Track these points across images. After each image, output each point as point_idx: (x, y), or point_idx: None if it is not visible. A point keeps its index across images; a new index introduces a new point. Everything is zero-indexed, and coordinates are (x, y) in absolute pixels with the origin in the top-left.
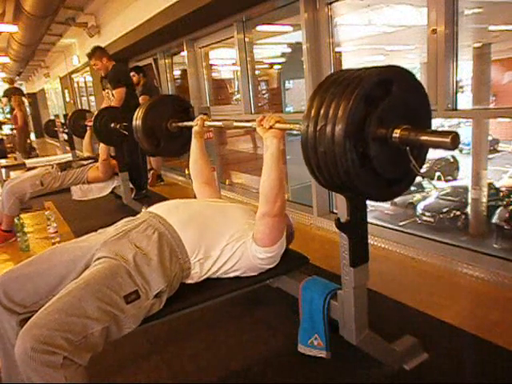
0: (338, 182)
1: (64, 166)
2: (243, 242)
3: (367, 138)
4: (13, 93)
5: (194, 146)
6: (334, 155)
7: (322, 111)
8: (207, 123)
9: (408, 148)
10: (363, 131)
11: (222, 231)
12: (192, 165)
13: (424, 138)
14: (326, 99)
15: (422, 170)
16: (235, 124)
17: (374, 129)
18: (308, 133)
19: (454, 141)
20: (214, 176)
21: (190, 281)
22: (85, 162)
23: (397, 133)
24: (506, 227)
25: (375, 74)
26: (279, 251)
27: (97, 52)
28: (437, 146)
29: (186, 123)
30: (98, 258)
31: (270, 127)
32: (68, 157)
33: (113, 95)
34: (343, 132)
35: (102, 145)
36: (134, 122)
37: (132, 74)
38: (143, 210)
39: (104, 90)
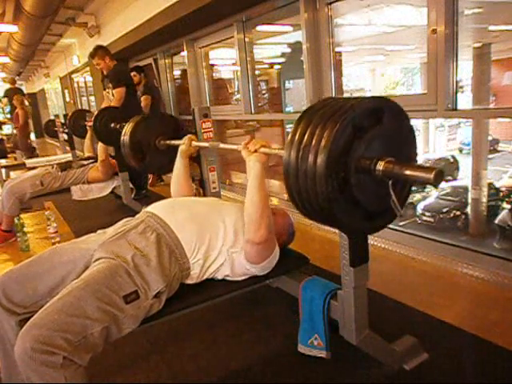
0: (318, 210)
1: (64, 166)
2: (236, 251)
3: (350, 168)
4: (15, 92)
5: (179, 163)
6: (314, 183)
7: (305, 137)
8: (194, 143)
9: (391, 182)
10: (346, 161)
11: (219, 232)
12: (173, 182)
13: (407, 172)
14: (311, 126)
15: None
16: (221, 145)
17: (357, 159)
18: (290, 159)
19: (437, 177)
20: (214, 178)
21: (189, 281)
22: (85, 162)
23: (380, 165)
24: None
25: (363, 103)
26: (270, 265)
27: (99, 51)
28: (419, 181)
29: (173, 141)
30: (98, 259)
31: (255, 151)
32: (68, 157)
33: (113, 95)
34: (325, 161)
35: (100, 145)
36: (121, 137)
37: (133, 73)
38: (142, 211)
39: (105, 89)
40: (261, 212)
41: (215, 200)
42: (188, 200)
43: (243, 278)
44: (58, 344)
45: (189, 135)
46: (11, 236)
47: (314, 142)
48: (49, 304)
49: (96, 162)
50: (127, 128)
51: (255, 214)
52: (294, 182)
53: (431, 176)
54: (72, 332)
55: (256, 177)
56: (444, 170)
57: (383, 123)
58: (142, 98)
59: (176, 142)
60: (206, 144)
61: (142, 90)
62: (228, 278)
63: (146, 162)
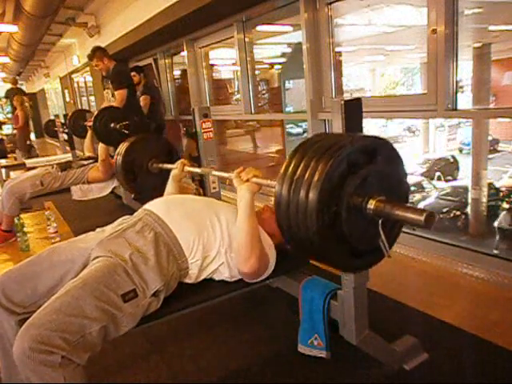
0: (308, 244)
1: (64, 166)
2: (233, 256)
3: (341, 205)
4: (15, 93)
5: (170, 186)
6: (305, 217)
7: (299, 171)
8: (187, 168)
9: (381, 221)
10: (338, 197)
11: (217, 232)
12: None
13: (398, 212)
14: (305, 159)
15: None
16: (214, 173)
17: (349, 196)
18: (282, 192)
19: (428, 220)
20: (214, 178)
21: (188, 280)
22: (85, 162)
23: (372, 203)
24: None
25: (357, 141)
26: (265, 276)
27: (97, 53)
28: (410, 222)
29: (166, 165)
30: (96, 257)
31: (247, 180)
32: (68, 157)
33: (113, 95)
34: (317, 196)
35: (101, 145)
36: (115, 156)
37: (133, 74)
38: (141, 208)
39: (105, 89)
40: (250, 242)
41: (211, 199)
42: (186, 198)
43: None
44: (56, 343)
45: (181, 160)
46: (11, 236)
47: (307, 175)
48: (47, 303)
49: (96, 161)
50: (121, 148)
51: (243, 246)
52: (284, 214)
53: (422, 218)
54: (70, 331)
55: (246, 207)
56: (435, 214)
57: (377, 161)
58: (141, 98)
59: (168, 166)
60: (198, 170)
61: (142, 90)
62: (227, 280)
63: (136, 184)
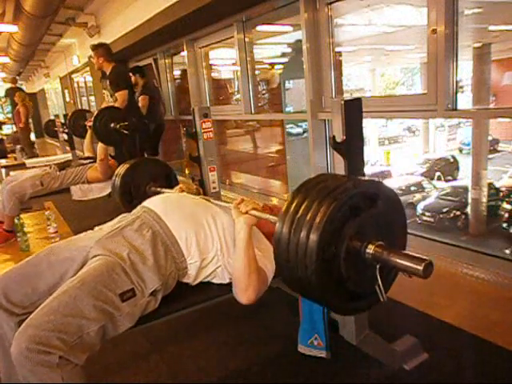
0: (305, 283)
1: (62, 166)
2: (230, 261)
3: (341, 247)
4: (16, 91)
5: None
6: (304, 256)
7: (301, 211)
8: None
9: (378, 266)
10: (338, 240)
11: (215, 233)
12: None
13: (396, 259)
14: (307, 199)
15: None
16: (212, 201)
17: (349, 239)
18: (282, 231)
19: (426, 269)
20: (214, 178)
21: (186, 280)
22: (84, 162)
23: (370, 248)
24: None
25: (359, 186)
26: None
27: (99, 49)
28: (408, 270)
29: (164, 190)
30: (94, 256)
31: (246, 212)
32: (68, 157)
33: (111, 96)
34: (318, 237)
35: (100, 144)
36: (113, 178)
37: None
38: (140, 205)
39: (103, 89)
40: (248, 274)
41: (205, 201)
42: (184, 197)
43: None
44: (53, 344)
45: (180, 185)
46: (12, 236)
47: (309, 216)
48: (44, 304)
49: (95, 161)
50: (120, 169)
51: (242, 275)
52: (284, 252)
53: (421, 268)
54: (68, 332)
55: (243, 239)
56: (433, 263)
57: (378, 206)
58: (139, 98)
59: (166, 191)
60: (196, 197)
61: (141, 90)
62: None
63: (133, 205)
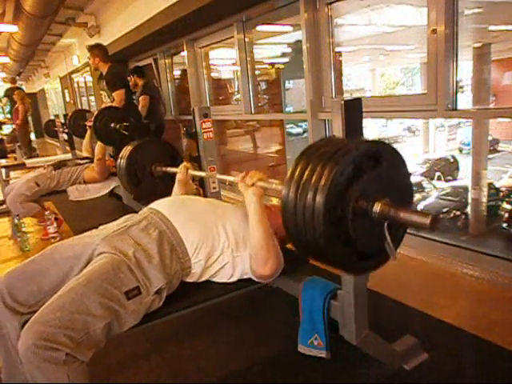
0: (314, 246)
1: (58, 165)
2: (239, 255)
3: (347, 208)
4: (15, 90)
5: (176, 191)
6: (312, 219)
7: (305, 175)
8: (191, 172)
9: (386, 223)
10: (344, 200)
11: (222, 233)
12: None
13: (403, 215)
14: (311, 164)
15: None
16: (218, 176)
17: (355, 200)
18: (289, 196)
19: (433, 223)
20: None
21: (189, 279)
22: (81, 162)
23: (377, 206)
24: None
25: (362, 146)
26: (279, 273)
27: (95, 50)
28: (415, 225)
29: (170, 169)
30: (100, 254)
31: (253, 184)
32: (68, 157)
33: (108, 96)
34: (324, 199)
35: (98, 144)
36: (118, 161)
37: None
38: (147, 207)
39: (100, 90)
40: (266, 246)
41: (216, 201)
42: (192, 199)
43: (242, 277)
44: (60, 341)
45: (184, 163)
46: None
47: (313, 179)
48: (51, 300)
49: (92, 162)
50: (125, 152)
51: (260, 249)
52: (291, 217)
53: (427, 221)
54: (75, 329)
55: (255, 212)
56: (439, 217)
57: (381, 165)
58: (140, 99)
59: (172, 170)
60: (202, 173)
61: (141, 90)
62: (229, 281)
63: (140, 188)
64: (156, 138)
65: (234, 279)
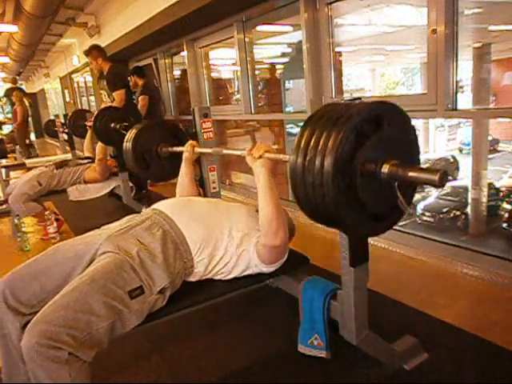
0: (326, 215)
1: (60, 165)
2: (245, 249)
3: (356, 172)
4: (14, 90)
5: (184, 170)
6: (321, 188)
7: (311, 144)
8: (197, 149)
9: (397, 183)
10: (352, 165)
11: (225, 232)
12: (178, 187)
13: (412, 174)
14: (316, 132)
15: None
16: (225, 151)
17: (362, 163)
18: (297, 165)
19: (441, 179)
20: (214, 178)
21: (192, 279)
22: (82, 162)
23: (385, 168)
24: None
25: (367, 108)
26: (280, 264)
27: (93, 51)
28: (425, 182)
29: (176, 148)
30: (103, 253)
31: (260, 156)
32: (68, 157)
33: (109, 96)
34: (332, 166)
35: (99, 144)
36: (124, 144)
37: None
38: (143, 210)
39: (101, 90)
40: (276, 217)
41: (221, 200)
42: (195, 199)
43: (243, 274)
44: (63, 340)
45: (190, 141)
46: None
47: (320, 147)
48: (54, 299)
49: (93, 162)
50: (129, 136)
51: (272, 220)
52: (300, 185)
53: (436, 177)
54: (78, 328)
55: (264, 184)
56: (447, 171)
57: (385, 128)
58: (139, 99)
59: (178, 149)
60: (209, 150)
61: (140, 90)
62: (232, 276)
63: (150, 171)
64: (158, 119)
65: (238, 275)
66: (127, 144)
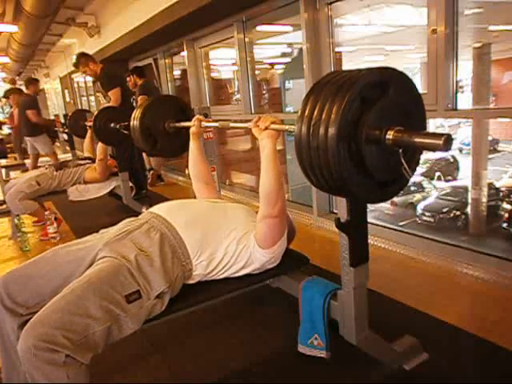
0: (331, 182)
1: (59, 166)
2: (245, 244)
3: (360, 139)
4: (12, 92)
5: (192, 146)
6: (326, 156)
7: (315, 112)
8: (204, 124)
9: (401, 150)
10: (356, 132)
11: (224, 233)
12: (191, 165)
13: (417, 139)
14: (320, 100)
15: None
16: (231, 125)
17: (367, 130)
18: (301, 133)
19: (446, 143)
20: (214, 176)
21: (191, 281)
22: (81, 162)
23: (390, 134)
24: None
25: (370, 75)
26: (280, 250)
27: (81, 59)
28: (429, 147)
29: (183, 123)
30: (101, 258)
31: (266, 128)
32: (68, 157)
33: (104, 97)
34: (336, 133)
35: (100, 144)
36: (131, 122)
37: (127, 78)
38: (143, 210)
39: (96, 92)
40: (277, 187)
41: (220, 201)
42: (192, 201)
43: (242, 272)
44: (60, 342)
45: (197, 116)
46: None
47: (323, 115)
48: (52, 302)
49: (93, 162)
50: (136, 113)
51: (272, 190)
52: (306, 155)
53: (440, 142)
54: (74, 331)
55: (269, 154)
56: (452, 137)
57: (390, 94)
58: (138, 98)
59: (185, 124)
60: (215, 124)
61: (140, 90)
62: (233, 276)
63: (158, 147)
64: (164, 94)
65: (237, 271)
66: (134, 122)
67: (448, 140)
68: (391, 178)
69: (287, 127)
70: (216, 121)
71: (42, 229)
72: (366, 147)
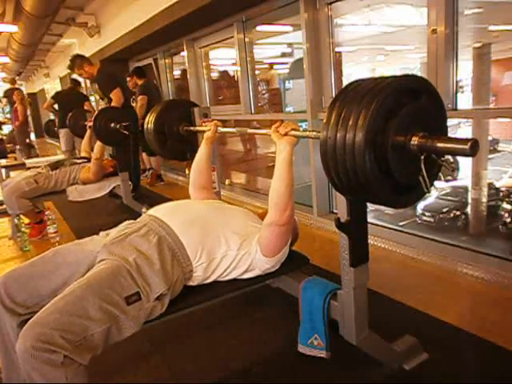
0: (358, 188)
1: (55, 165)
2: (247, 251)
3: (386, 145)
4: (14, 90)
5: (203, 150)
6: (353, 162)
7: (341, 119)
8: (220, 129)
9: (423, 157)
10: (383, 139)
11: (223, 235)
12: (195, 167)
13: (441, 145)
14: (346, 107)
15: None
16: (249, 131)
17: (393, 136)
18: (327, 141)
19: (473, 147)
20: (214, 178)
21: (192, 283)
22: (77, 161)
23: (415, 140)
24: None
25: (395, 83)
26: (282, 258)
27: (76, 62)
28: (456, 152)
29: (198, 127)
30: (101, 260)
31: (286, 134)
32: (61, 158)
33: (102, 99)
34: (363, 140)
35: (98, 143)
36: (147, 117)
37: (128, 79)
38: (144, 210)
39: (95, 93)
40: (288, 194)
41: (219, 202)
42: (191, 202)
43: (244, 276)
44: (58, 343)
45: (214, 121)
46: (44, 226)
47: (351, 121)
48: (51, 303)
49: (89, 162)
50: (152, 112)
51: (282, 196)
52: (332, 160)
53: (467, 147)
54: (73, 332)
55: (286, 158)
56: (478, 142)
57: (418, 101)
58: (138, 98)
59: (200, 129)
60: (233, 130)
61: (140, 90)
62: (233, 277)
63: (166, 147)
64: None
65: (238, 275)
66: (152, 115)
67: (474, 145)
68: (414, 184)
69: (308, 133)
70: (234, 127)
71: (31, 229)
72: (391, 152)
